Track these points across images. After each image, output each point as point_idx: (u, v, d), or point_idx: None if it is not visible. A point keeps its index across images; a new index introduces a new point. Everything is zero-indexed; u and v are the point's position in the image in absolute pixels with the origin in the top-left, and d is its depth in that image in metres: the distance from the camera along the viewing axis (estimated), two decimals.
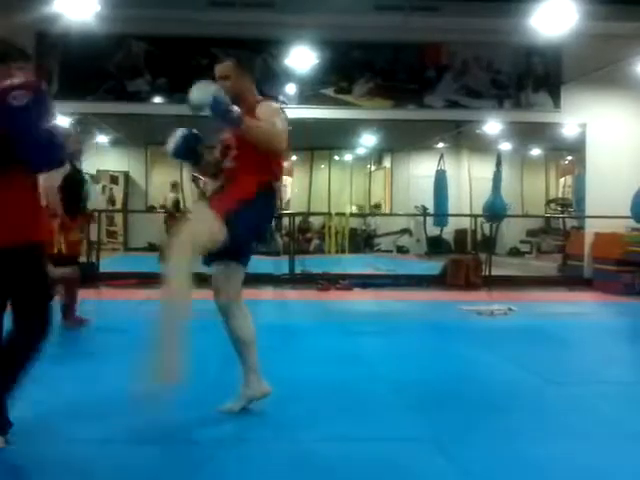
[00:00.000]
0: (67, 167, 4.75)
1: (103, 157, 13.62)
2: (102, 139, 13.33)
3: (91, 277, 8.04)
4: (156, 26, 8.46)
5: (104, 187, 13.67)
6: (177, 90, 8.74)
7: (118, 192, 14.04)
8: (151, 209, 13.94)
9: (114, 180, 14.05)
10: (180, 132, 3.05)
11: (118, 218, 13.71)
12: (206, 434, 2.86)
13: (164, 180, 14.01)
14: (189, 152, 3.08)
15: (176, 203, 13.27)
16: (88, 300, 6.12)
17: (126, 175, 14.26)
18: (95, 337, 5.10)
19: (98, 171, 13.22)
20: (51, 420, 2.95)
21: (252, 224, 2.96)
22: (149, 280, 8.14)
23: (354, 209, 14.56)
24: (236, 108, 2.80)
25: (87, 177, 5.37)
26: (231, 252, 2.95)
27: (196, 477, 2.44)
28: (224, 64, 3.09)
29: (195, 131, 3.09)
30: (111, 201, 13.87)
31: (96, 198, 10.73)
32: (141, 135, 12.97)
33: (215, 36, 8.61)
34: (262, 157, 2.95)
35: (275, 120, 2.92)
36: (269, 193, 3.02)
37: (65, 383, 3.53)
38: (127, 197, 14.21)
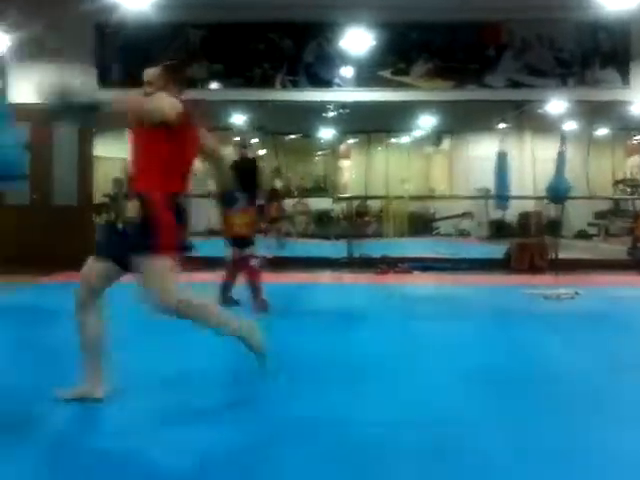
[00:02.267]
0: (233, 155, 5.05)
1: None
2: None
3: None
4: (212, 13, 8.48)
5: None
6: (234, 75, 8.80)
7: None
8: (207, 195, 14.06)
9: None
10: (50, 89, 2.80)
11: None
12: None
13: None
14: (69, 109, 2.83)
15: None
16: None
17: None
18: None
19: None
20: None
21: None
22: (204, 263, 8.30)
23: (412, 192, 14.37)
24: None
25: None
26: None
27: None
28: (151, 70, 3.14)
29: (66, 85, 2.82)
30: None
31: None
32: (199, 122, 13.08)
33: (271, 21, 8.60)
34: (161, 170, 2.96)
35: (155, 101, 2.92)
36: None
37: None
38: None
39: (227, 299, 5.38)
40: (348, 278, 8.04)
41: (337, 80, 8.81)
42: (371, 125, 13.46)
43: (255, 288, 5.40)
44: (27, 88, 7.52)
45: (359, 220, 12.33)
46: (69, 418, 2.91)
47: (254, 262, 5.42)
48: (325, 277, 7.90)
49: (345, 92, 8.92)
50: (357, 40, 8.57)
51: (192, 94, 9.08)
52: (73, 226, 8.40)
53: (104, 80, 8.45)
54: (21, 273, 7.46)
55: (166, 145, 2.92)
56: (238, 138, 5.56)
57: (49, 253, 7.92)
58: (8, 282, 6.94)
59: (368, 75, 8.83)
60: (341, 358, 3.92)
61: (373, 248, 9.39)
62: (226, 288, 5.47)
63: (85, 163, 8.59)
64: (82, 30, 8.39)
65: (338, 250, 9.26)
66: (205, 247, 10.67)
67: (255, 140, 13.86)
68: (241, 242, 5.41)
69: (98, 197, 9.67)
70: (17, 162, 6.02)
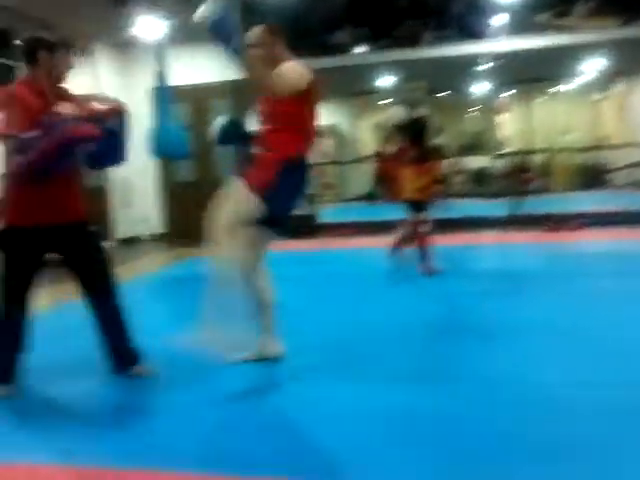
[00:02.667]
0: (403, 113, 5.09)
1: None
2: None
3: (311, 228, 8.41)
4: None
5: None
6: (379, 37, 8.58)
7: (328, 145, 14.35)
8: (360, 159, 14.08)
9: (323, 134, 14.37)
10: (218, 122, 3.25)
11: (331, 170, 14.05)
12: None
13: (372, 129, 14.00)
14: (233, 138, 3.26)
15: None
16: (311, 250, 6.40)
17: (335, 128, 14.50)
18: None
19: None
20: None
21: (280, 200, 2.98)
22: (365, 228, 8.36)
23: (579, 143, 13.33)
24: (237, 41, 2.82)
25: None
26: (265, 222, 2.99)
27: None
28: (254, 31, 3.09)
29: (233, 117, 3.29)
30: (323, 155, 14.23)
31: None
32: (345, 87, 13.03)
33: None
34: (289, 131, 2.95)
35: (284, 73, 2.89)
36: (296, 168, 2.99)
37: None
38: (337, 149, 14.48)
39: (427, 267, 5.26)
40: (513, 237, 7.62)
41: (490, 30, 8.29)
42: (529, 75, 12.60)
43: (424, 253, 5.28)
44: (184, 70, 7.89)
45: (521, 176, 11.67)
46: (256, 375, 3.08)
47: (425, 227, 5.25)
48: (489, 237, 7.56)
49: (500, 42, 8.37)
50: None
51: (337, 60, 9.16)
52: None
53: None
54: (194, 246, 7.91)
55: (295, 109, 2.93)
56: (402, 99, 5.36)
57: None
58: (184, 255, 7.45)
59: (524, 21, 8.21)
60: (512, 320, 3.75)
61: (537, 205, 8.83)
62: (396, 251, 5.39)
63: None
64: (228, 5, 8.56)
65: (498, 209, 8.82)
66: (366, 211, 10.81)
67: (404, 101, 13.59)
68: (416, 206, 5.24)
69: None
70: (181, 142, 6.31)
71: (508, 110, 13.99)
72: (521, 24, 8.20)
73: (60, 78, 2.89)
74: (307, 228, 8.30)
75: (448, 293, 4.73)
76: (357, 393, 2.76)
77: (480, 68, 10.95)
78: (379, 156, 13.07)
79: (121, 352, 3.11)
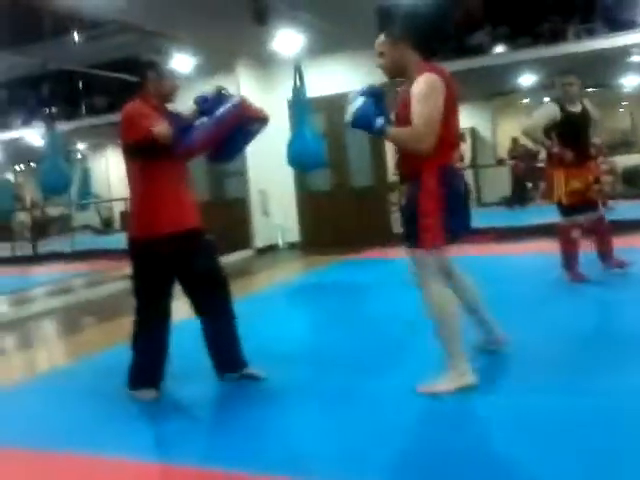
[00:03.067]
0: (557, 111, 4.84)
1: None
2: None
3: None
4: None
5: None
6: (519, 35, 8.24)
7: (466, 149, 14.00)
8: (500, 162, 13.59)
9: (461, 137, 14.04)
10: (358, 99, 2.83)
11: (468, 175, 13.70)
12: None
13: (511, 131, 13.48)
14: (366, 122, 2.82)
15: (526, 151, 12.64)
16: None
17: (472, 131, 14.12)
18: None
19: None
20: None
21: (456, 213, 2.88)
22: (506, 234, 8.03)
23: None
24: (379, 121, 2.78)
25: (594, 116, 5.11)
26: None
27: None
28: (377, 40, 2.98)
29: (375, 89, 2.90)
30: (460, 158, 13.90)
31: None
32: (484, 88, 12.65)
33: None
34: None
35: (420, 110, 2.74)
36: (451, 176, 2.89)
37: None
38: (475, 152, 14.09)
39: (576, 274, 4.96)
40: None
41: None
42: None
43: (606, 252, 5.01)
44: (319, 82, 8.03)
45: None
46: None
47: (575, 232, 4.92)
48: None
49: None
50: None
51: (477, 61, 8.89)
52: (370, 206, 8.82)
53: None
54: (332, 253, 8.06)
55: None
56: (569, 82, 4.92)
57: (357, 232, 8.54)
58: (323, 260, 7.59)
59: None
60: None
61: None
62: (571, 260, 5.00)
63: (378, 145, 8.85)
64: (363, 18, 8.61)
65: None
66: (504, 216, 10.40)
67: (546, 99, 12.95)
68: (570, 209, 4.91)
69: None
70: (318, 152, 6.41)
71: None
72: None
73: (167, 99, 3.10)
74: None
75: (607, 301, 4.43)
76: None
77: (630, 60, 10.20)
78: (517, 157, 12.59)
79: (230, 357, 3.23)
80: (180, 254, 3.03)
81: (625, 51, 9.23)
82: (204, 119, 2.90)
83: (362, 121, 2.80)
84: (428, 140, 2.75)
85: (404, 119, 2.84)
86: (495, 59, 8.47)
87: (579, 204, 4.90)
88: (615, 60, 10.12)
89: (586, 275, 4.93)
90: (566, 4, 8.00)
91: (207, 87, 3.05)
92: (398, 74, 2.94)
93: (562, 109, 4.87)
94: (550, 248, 5.34)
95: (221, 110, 2.90)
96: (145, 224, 3.02)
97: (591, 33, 7.91)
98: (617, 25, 7.81)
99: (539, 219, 7.42)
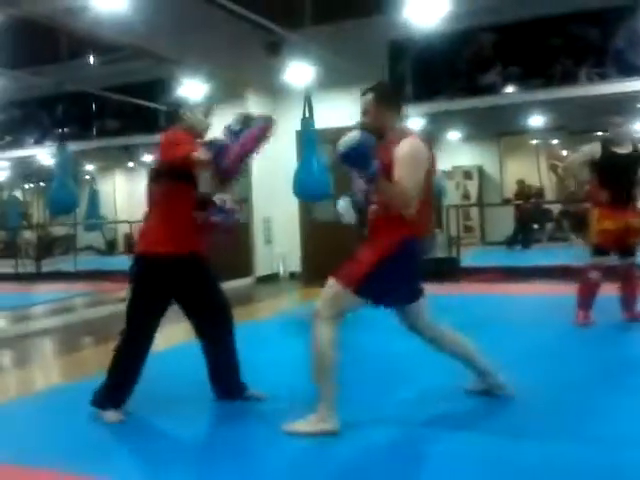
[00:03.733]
0: (599, 150, 4.80)
1: (456, 153, 13.74)
2: (454, 135, 13.45)
3: (453, 271, 8.20)
4: (504, 13, 8.11)
5: (458, 183, 13.82)
6: (531, 76, 8.31)
7: (472, 187, 14.04)
8: (506, 202, 13.60)
9: (468, 175, 14.07)
10: (356, 134, 2.65)
11: (473, 213, 13.71)
12: None
13: (519, 171, 13.53)
14: (361, 158, 2.66)
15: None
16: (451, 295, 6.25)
17: (479, 169, 14.17)
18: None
19: (453, 167, 13.46)
20: None
21: (390, 285, 2.85)
22: (509, 274, 7.99)
23: None
24: (375, 165, 2.66)
25: None
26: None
27: None
28: (364, 97, 2.99)
29: (367, 137, 2.67)
30: (465, 196, 13.94)
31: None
32: (493, 127, 12.72)
33: (570, 12, 7.92)
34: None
35: (409, 173, 2.76)
36: (411, 251, 2.88)
37: None
38: (481, 191, 14.12)
39: (582, 315, 4.91)
40: None
41: None
42: None
43: (629, 300, 4.92)
44: (327, 114, 8.09)
45: None
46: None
47: (594, 274, 4.83)
48: None
49: None
50: None
51: (487, 101, 8.94)
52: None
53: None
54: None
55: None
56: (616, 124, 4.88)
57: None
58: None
59: None
60: None
61: None
62: (581, 300, 4.93)
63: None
64: (374, 52, 8.72)
65: None
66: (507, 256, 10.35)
67: (556, 141, 12.99)
68: (602, 250, 4.81)
69: None
70: (324, 182, 6.43)
71: None
72: None
73: (200, 135, 3.22)
74: (449, 272, 8.11)
75: (610, 349, 4.37)
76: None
77: None
78: (521, 198, 12.57)
79: (231, 382, 3.29)
80: (189, 275, 3.15)
81: (636, 96, 9.29)
82: (233, 145, 3.02)
83: (360, 157, 2.66)
84: (414, 204, 2.80)
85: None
86: (505, 99, 8.53)
87: (610, 246, 4.80)
88: (626, 105, 10.18)
89: (592, 320, 4.85)
90: (578, 47, 8.07)
91: (235, 113, 3.17)
92: (377, 134, 2.82)
93: (606, 148, 4.78)
94: (549, 290, 5.27)
95: (245, 135, 3.03)
96: (158, 241, 3.11)
97: (603, 77, 7.96)
98: (629, 70, 7.87)
99: (540, 261, 7.36)
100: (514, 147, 13.73)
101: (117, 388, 3.15)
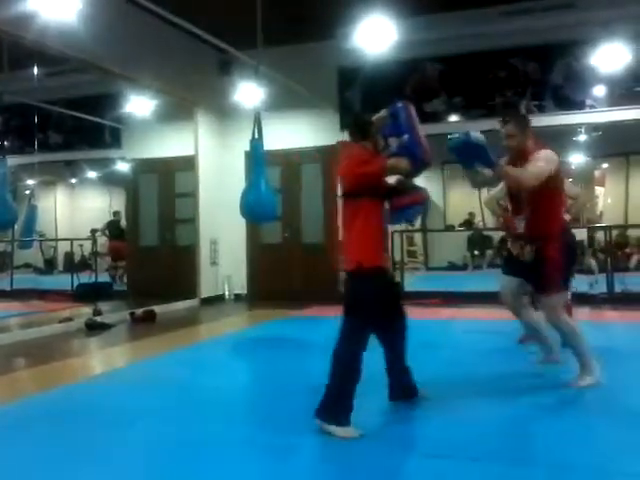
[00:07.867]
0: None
1: None
2: None
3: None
4: (449, 45, 8.39)
5: None
6: (474, 107, 8.57)
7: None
8: (450, 228, 13.88)
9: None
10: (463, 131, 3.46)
11: (417, 238, 13.92)
12: None
13: (461, 199, 13.84)
14: (477, 148, 3.46)
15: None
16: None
17: None
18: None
19: None
20: None
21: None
22: (452, 300, 8.12)
23: None
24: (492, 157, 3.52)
25: None
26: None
27: None
28: (508, 126, 3.75)
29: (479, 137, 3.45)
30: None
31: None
32: (437, 155, 13.00)
33: (511, 47, 8.27)
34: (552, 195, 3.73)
35: (538, 163, 3.54)
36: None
37: None
38: (425, 217, 14.35)
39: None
40: (609, 315, 7.23)
41: (589, 101, 8.13)
42: (630, 147, 12.18)
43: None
44: (276, 136, 8.13)
45: (619, 252, 11.14)
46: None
47: None
48: (583, 314, 7.17)
49: (599, 113, 8.17)
50: (611, 56, 7.82)
51: (431, 128, 9.17)
52: (318, 263, 8.81)
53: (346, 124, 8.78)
54: (277, 307, 7.98)
55: (551, 191, 3.67)
56: None
57: (303, 287, 8.59)
58: (263, 317, 7.47)
59: (624, 92, 8.00)
60: None
61: (638, 282, 8.35)
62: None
63: (330, 202, 8.94)
64: (324, 76, 8.84)
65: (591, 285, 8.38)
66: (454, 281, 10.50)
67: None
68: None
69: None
70: (271, 203, 6.41)
71: (604, 182, 13.52)
72: (621, 96, 7.99)
73: (378, 149, 3.43)
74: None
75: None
76: None
77: (577, 139, 10.70)
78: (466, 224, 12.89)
79: (408, 384, 3.52)
80: (391, 284, 3.55)
81: (572, 129, 9.69)
82: (404, 137, 3.29)
83: (480, 146, 3.42)
84: (533, 179, 3.63)
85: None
86: (449, 127, 8.74)
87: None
88: (563, 138, 10.60)
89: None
90: (519, 80, 8.38)
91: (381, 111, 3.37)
92: (521, 153, 3.76)
93: None
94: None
95: (403, 118, 3.32)
96: (368, 256, 3.22)
97: (542, 110, 8.28)
98: (566, 104, 8.21)
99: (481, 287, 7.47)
100: (457, 175, 14.05)
101: (346, 400, 3.08)
